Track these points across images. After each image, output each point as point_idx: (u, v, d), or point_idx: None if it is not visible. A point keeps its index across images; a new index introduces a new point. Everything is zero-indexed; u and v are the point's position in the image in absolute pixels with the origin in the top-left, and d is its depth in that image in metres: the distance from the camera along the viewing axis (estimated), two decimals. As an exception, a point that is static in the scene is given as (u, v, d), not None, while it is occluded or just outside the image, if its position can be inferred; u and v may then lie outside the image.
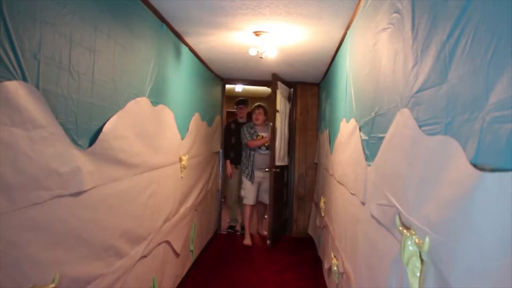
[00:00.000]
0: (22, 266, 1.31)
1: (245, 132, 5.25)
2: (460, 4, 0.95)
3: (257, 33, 3.22)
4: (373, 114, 1.91)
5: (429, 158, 1.09)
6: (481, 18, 0.85)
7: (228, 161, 5.51)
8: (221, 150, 5.64)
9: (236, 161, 5.50)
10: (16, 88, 1.25)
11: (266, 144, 5.16)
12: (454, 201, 0.87)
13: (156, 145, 2.72)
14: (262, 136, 5.20)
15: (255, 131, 5.23)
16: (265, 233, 5.44)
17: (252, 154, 5.22)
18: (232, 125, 5.63)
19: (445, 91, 1.03)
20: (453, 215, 0.87)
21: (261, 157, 5.22)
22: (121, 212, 2.18)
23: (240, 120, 5.64)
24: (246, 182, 5.20)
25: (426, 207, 1.06)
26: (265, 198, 5.32)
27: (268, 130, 5.08)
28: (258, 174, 5.21)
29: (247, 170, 5.21)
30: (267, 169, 5.13)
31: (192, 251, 4.01)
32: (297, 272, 4.21)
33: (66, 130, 1.57)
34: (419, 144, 1.18)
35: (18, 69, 1.27)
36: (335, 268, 2.88)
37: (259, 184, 5.28)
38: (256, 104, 5.34)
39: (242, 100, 5.74)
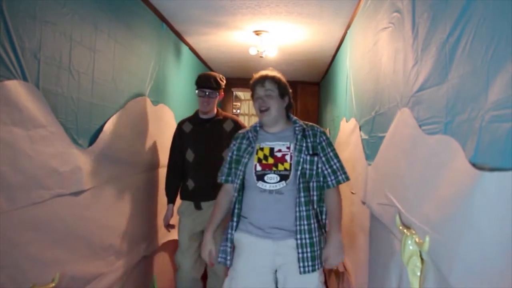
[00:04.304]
0: (22, 266, 1.31)
1: (236, 145, 1.94)
2: (460, 4, 0.95)
3: (257, 33, 3.22)
4: (373, 113, 1.91)
5: (429, 158, 1.09)
6: (482, 18, 0.85)
7: (170, 206, 2.64)
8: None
9: (198, 194, 2.55)
10: (16, 87, 1.25)
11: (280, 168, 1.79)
12: (453, 201, 0.87)
13: (156, 144, 2.72)
14: (270, 152, 1.83)
15: (252, 141, 1.89)
16: None
17: (241, 194, 1.87)
18: (186, 128, 2.64)
19: (445, 91, 1.03)
20: (453, 214, 0.87)
21: (267, 202, 1.79)
22: (121, 211, 2.18)
23: (204, 116, 2.62)
24: (235, 263, 1.85)
25: (426, 206, 1.06)
26: None
27: (295, 135, 1.85)
28: (262, 245, 1.78)
29: (230, 233, 1.86)
30: (301, 236, 1.73)
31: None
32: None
33: (66, 130, 1.58)
34: (419, 143, 1.18)
35: (18, 69, 1.28)
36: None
37: (271, 272, 1.81)
38: (259, 74, 1.92)
39: (207, 77, 2.61)
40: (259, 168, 1.80)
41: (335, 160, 1.84)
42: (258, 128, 1.93)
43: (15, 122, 1.25)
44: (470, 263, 0.79)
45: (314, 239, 1.72)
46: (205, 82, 2.57)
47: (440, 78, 1.06)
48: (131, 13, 2.29)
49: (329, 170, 1.82)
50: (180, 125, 2.68)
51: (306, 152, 1.80)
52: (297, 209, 1.73)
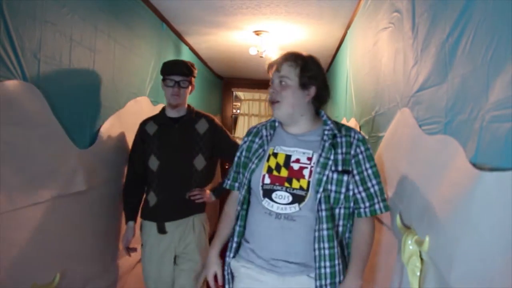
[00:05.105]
0: (22, 266, 1.31)
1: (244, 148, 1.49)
2: (460, 4, 0.95)
3: (257, 33, 3.22)
4: (373, 113, 1.91)
5: (429, 157, 1.09)
6: (482, 18, 0.85)
7: (130, 224, 2.09)
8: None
9: (161, 213, 2.03)
10: (16, 87, 1.25)
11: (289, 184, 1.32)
12: (453, 200, 0.87)
13: (156, 144, 2.72)
14: (285, 161, 1.35)
15: (265, 141, 1.43)
16: None
17: (246, 208, 1.43)
18: (150, 129, 2.10)
19: (445, 91, 1.03)
20: (453, 214, 0.87)
21: (272, 228, 1.33)
22: (121, 211, 2.18)
23: (172, 113, 2.11)
24: None
25: (426, 206, 1.06)
26: None
27: (322, 141, 1.35)
28: (264, 281, 1.33)
29: (228, 256, 1.46)
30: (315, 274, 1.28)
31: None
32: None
33: (66, 130, 1.57)
34: (419, 143, 1.18)
35: (18, 69, 1.27)
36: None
37: None
38: (282, 53, 1.41)
39: (175, 62, 2.11)
40: (267, 180, 1.34)
41: (374, 181, 1.32)
42: (276, 124, 1.46)
43: (15, 122, 1.25)
44: (469, 263, 0.79)
45: (337, 285, 1.28)
46: (173, 68, 2.03)
47: (440, 78, 1.06)
48: (131, 13, 2.29)
49: (363, 194, 1.32)
50: (142, 126, 2.11)
51: (332, 168, 1.30)
52: (317, 246, 1.27)
